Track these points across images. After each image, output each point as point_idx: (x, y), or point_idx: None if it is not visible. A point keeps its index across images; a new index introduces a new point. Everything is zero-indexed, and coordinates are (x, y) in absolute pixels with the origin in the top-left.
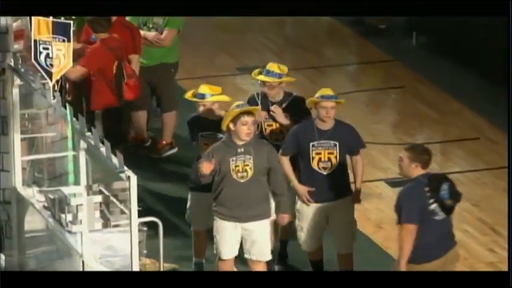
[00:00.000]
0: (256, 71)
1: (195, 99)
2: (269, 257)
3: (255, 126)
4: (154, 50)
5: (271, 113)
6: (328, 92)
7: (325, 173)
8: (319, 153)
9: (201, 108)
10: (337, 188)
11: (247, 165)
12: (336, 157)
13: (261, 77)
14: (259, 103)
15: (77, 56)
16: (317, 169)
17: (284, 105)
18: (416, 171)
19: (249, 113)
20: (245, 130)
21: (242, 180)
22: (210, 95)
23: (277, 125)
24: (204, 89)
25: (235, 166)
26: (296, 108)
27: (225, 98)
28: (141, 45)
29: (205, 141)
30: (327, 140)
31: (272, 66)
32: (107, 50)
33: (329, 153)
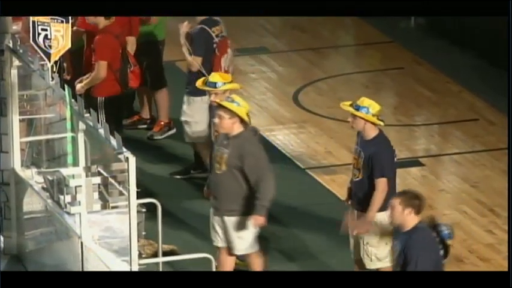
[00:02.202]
0: None
1: (206, 88)
2: (238, 253)
3: (226, 121)
4: (141, 28)
5: None
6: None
7: (354, 179)
8: (356, 158)
9: (212, 96)
10: (362, 199)
11: (222, 158)
12: (359, 169)
13: None
14: None
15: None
16: (352, 172)
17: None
18: (410, 217)
19: (220, 106)
20: (217, 121)
21: (218, 172)
22: (222, 84)
23: None
24: (215, 77)
25: (215, 156)
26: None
27: (235, 85)
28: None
29: (216, 128)
30: (360, 149)
31: None
32: (114, 39)
33: (359, 162)
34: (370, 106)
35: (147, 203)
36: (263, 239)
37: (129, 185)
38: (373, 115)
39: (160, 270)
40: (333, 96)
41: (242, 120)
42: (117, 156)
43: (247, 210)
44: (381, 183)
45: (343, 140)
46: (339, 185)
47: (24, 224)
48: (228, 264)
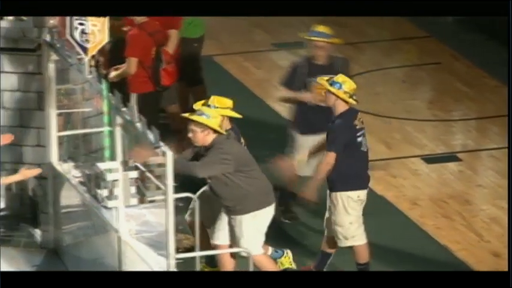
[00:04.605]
0: (303, 33)
1: (203, 108)
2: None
3: (199, 134)
4: None
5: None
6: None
7: None
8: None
9: None
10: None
11: None
12: None
13: (313, 38)
14: (302, 68)
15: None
16: None
17: (336, 68)
18: None
19: (191, 120)
20: (191, 136)
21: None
22: (214, 107)
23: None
24: (213, 99)
25: None
26: (344, 71)
27: (228, 113)
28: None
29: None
30: (330, 124)
31: (320, 28)
32: (147, 36)
33: None
34: (344, 83)
35: (185, 197)
36: (290, 238)
37: (166, 179)
38: (346, 92)
39: (198, 264)
40: (370, 91)
41: (215, 131)
42: (154, 150)
43: (244, 208)
44: (327, 156)
45: (380, 134)
46: (375, 180)
47: (62, 218)
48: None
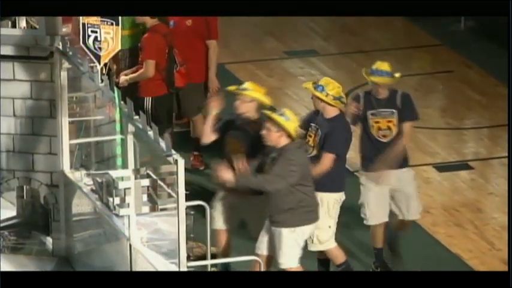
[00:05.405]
0: (364, 70)
1: (236, 90)
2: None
3: (273, 134)
4: None
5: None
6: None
7: (307, 155)
8: (311, 136)
9: (238, 102)
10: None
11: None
12: (314, 146)
13: (376, 79)
14: (361, 102)
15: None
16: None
17: (397, 103)
18: None
19: (269, 119)
20: (264, 134)
21: None
22: (250, 90)
23: (385, 121)
24: (248, 84)
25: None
26: (405, 105)
27: (263, 98)
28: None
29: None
30: (317, 126)
31: (382, 66)
32: (161, 38)
33: (315, 140)
34: (327, 86)
35: (196, 205)
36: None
37: (178, 187)
38: (328, 95)
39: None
40: None
41: (289, 135)
42: (166, 158)
43: (287, 222)
44: (327, 158)
45: None
46: None
47: (73, 226)
48: None
